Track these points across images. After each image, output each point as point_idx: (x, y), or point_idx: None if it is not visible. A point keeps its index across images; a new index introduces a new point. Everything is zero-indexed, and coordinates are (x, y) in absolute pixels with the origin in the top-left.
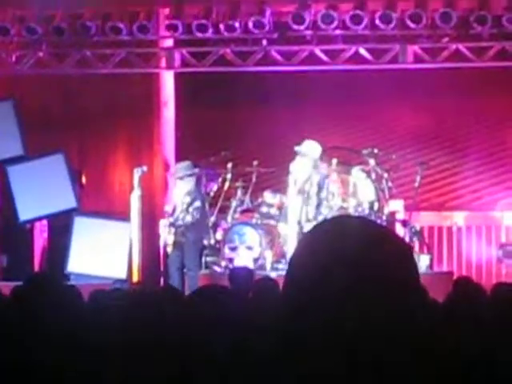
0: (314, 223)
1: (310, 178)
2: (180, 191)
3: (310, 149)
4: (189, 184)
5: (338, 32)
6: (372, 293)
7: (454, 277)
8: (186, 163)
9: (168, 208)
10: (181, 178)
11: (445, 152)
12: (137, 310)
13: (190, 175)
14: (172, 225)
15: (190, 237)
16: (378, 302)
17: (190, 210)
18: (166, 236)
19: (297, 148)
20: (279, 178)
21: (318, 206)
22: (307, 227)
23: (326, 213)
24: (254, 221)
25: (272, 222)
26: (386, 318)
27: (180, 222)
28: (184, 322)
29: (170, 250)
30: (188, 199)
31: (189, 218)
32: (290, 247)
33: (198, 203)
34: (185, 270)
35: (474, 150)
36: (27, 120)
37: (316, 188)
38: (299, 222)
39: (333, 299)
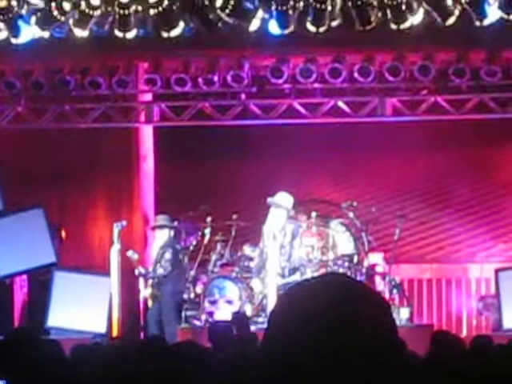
0: (289, 278)
1: (284, 229)
2: (156, 244)
3: (283, 200)
4: (164, 236)
5: (316, 85)
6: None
7: (434, 329)
8: (164, 215)
9: (133, 256)
10: (159, 227)
11: (424, 204)
12: (119, 363)
13: (166, 226)
14: (144, 276)
15: (165, 290)
16: (354, 360)
17: (162, 262)
18: (143, 289)
19: (270, 199)
20: (259, 231)
21: (291, 255)
22: (281, 281)
23: (297, 265)
24: (233, 274)
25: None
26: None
27: (152, 274)
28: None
29: (150, 303)
30: (161, 251)
31: (161, 271)
32: (270, 301)
33: (168, 255)
34: (164, 324)
35: (453, 202)
36: (6, 175)
37: (290, 237)
38: (278, 274)
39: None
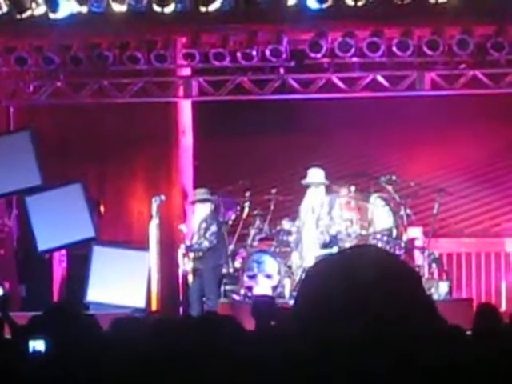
0: (326, 250)
1: (322, 201)
2: (197, 217)
3: (320, 177)
4: (206, 210)
5: (355, 59)
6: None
7: (474, 303)
8: (204, 189)
9: (184, 229)
10: (200, 201)
11: (463, 178)
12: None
13: (208, 200)
14: (188, 249)
15: (208, 263)
16: (390, 325)
17: (207, 235)
18: (185, 263)
19: (308, 180)
20: (298, 205)
21: (330, 226)
22: (318, 253)
23: (335, 237)
24: (272, 249)
25: (290, 250)
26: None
27: (197, 247)
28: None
29: (190, 278)
30: (204, 225)
31: (206, 243)
32: None
33: (214, 228)
34: (204, 299)
35: (492, 175)
36: (45, 150)
37: (327, 208)
38: (316, 247)
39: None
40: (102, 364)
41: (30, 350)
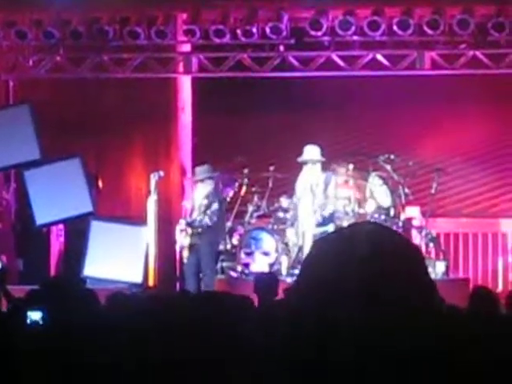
0: (322, 228)
1: (317, 180)
2: (199, 194)
3: (316, 153)
4: (207, 187)
5: (355, 38)
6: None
7: (470, 283)
8: (206, 166)
9: (187, 205)
10: (201, 181)
11: (461, 158)
12: (154, 314)
13: (210, 178)
14: (189, 225)
15: (206, 239)
16: (388, 300)
17: (208, 212)
18: (182, 238)
19: (304, 157)
20: (295, 183)
21: (324, 203)
22: (315, 231)
23: (331, 215)
24: (270, 226)
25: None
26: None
27: (197, 223)
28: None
29: (185, 254)
30: (206, 202)
31: (207, 220)
32: (305, 252)
33: (215, 205)
34: (201, 275)
35: (491, 156)
36: (44, 124)
37: (323, 186)
38: (312, 225)
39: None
40: (98, 338)
41: (28, 320)
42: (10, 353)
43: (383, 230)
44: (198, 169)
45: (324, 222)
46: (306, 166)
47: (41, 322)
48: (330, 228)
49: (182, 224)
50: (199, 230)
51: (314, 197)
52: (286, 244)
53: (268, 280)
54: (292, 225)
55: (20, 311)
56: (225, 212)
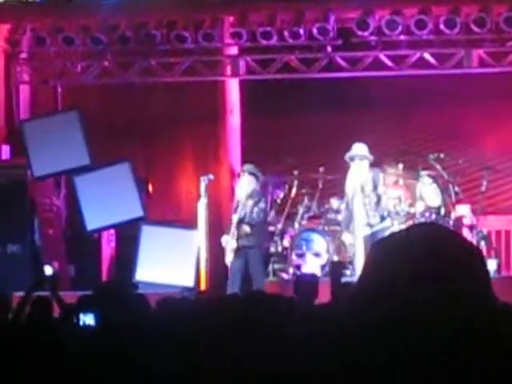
0: (378, 226)
1: (366, 178)
2: (241, 191)
3: (364, 150)
4: (251, 184)
5: (402, 37)
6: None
7: None
8: (252, 165)
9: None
10: (249, 174)
11: (511, 156)
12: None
13: (255, 175)
14: (241, 221)
15: (254, 241)
16: (448, 308)
17: (256, 209)
18: (229, 240)
19: (352, 153)
20: (345, 183)
21: (378, 202)
22: (373, 230)
23: (386, 213)
24: (320, 227)
25: (339, 228)
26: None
27: (248, 220)
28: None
29: (230, 257)
30: (251, 201)
31: (254, 217)
32: (358, 253)
33: (262, 205)
34: (252, 277)
35: None
36: (93, 129)
37: (371, 185)
38: (364, 227)
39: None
40: (149, 342)
41: (81, 323)
42: (63, 356)
43: (441, 229)
44: (246, 165)
45: (379, 219)
46: (354, 163)
47: (94, 325)
48: (383, 225)
49: (234, 220)
50: (247, 230)
51: (364, 195)
52: (343, 244)
53: (308, 281)
54: (347, 226)
55: (72, 315)
56: (273, 214)
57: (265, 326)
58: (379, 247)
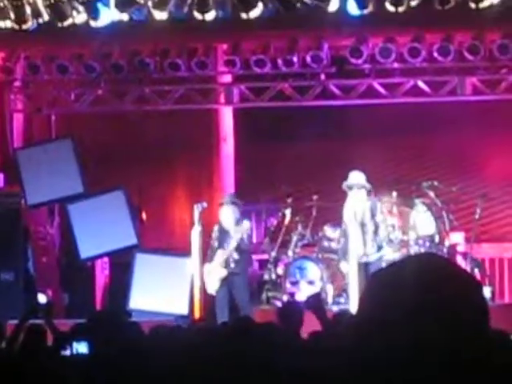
0: (375, 255)
1: (364, 207)
2: (229, 220)
3: (361, 179)
4: (236, 213)
5: (396, 65)
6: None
7: None
8: (231, 193)
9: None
10: (231, 203)
11: (505, 183)
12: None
13: (236, 203)
14: (235, 250)
15: (240, 267)
16: (447, 338)
17: (245, 236)
18: (214, 269)
19: (349, 182)
20: (339, 211)
21: (376, 231)
22: (369, 259)
23: (384, 242)
24: (314, 255)
25: (333, 256)
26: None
27: (240, 248)
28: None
29: (215, 287)
30: (238, 228)
31: (243, 247)
32: (352, 281)
33: (249, 231)
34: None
35: None
36: (86, 157)
37: (369, 214)
38: (360, 256)
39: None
40: (144, 371)
41: (74, 351)
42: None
43: (437, 259)
44: (227, 194)
45: (376, 249)
46: (352, 192)
47: (86, 353)
48: (384, 254)
49: (231, 246)
50: (236, 257)
51: (362, 224)
52: (340, 272)
53: (291, 309)
54: (344, 255)
55: (65, 343)
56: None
57: (256, 358)
58: (376, 279)
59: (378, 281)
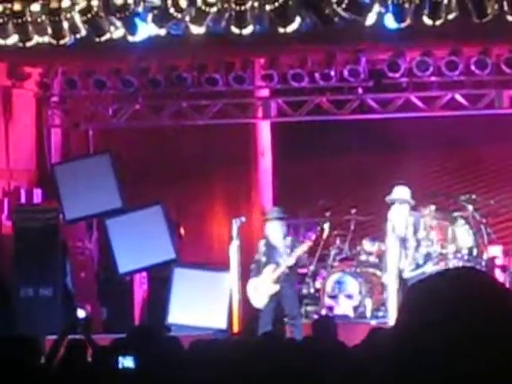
0: (415, 272)
1: (406, 221)
2: (278, 234)
3: (405, 194)
4: (284, 227)
5: (433, 78)
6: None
7: None
8: (277, 207)
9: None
10: (279, 219)
11: None
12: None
13: (282, 218)
14: (295, 264)
15: (289, 282)
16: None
17: (293, 253)
18: (263, 284)
19: (393, 197)
20: (377, 225)
21: (417, 246)
22: (408, 275)
23: (423, 257)
24: (353, 269)
25: (371, 270)
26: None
27: (290, 264)
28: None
29: (265, 301)
30: (289, 242)
31: (292, 261)
32: (391, 295)
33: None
34: (286, 320)
35: None
36: (125, 172)
37: (412, 229)
38: (400, 270)
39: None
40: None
41: (120, 366)
42: None
43: (476, 273)
44: (271, 209)
45: (419, 264)
46: (394, 206)
47: (132, 368)
48: (427, 270)
49: (287, 263)
50: (287, 271)
51: (403, 239)
52: (383, 285)
53: (325, 323)
54: (386, 267)
55: (108, 358)
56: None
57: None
58: (414, 289)
59: (416, 291)
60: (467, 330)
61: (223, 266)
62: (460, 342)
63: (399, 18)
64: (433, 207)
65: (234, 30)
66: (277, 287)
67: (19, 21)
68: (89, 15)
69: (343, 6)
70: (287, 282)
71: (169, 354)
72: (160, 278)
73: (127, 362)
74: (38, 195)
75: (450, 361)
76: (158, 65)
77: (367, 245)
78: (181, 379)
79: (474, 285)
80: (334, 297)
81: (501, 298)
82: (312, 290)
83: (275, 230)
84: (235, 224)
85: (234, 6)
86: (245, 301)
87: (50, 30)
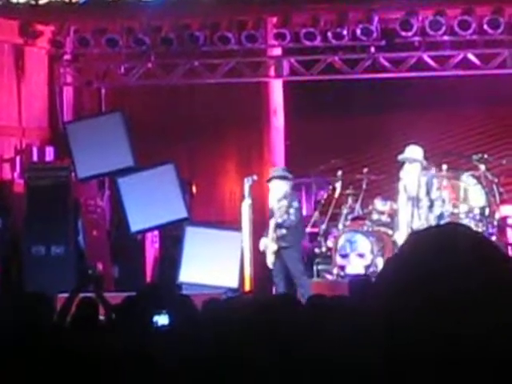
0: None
1: (419, 181)
2: (275, 195)
3: (416, 153)
4: (285, 187)
5: (445, 38)
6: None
7: None
8: (282, 166)
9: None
10: (277, 178)
11: None
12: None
13: (285, 177)
14: (279, 225)
15: (290, 241)
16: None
17: (291, 211)
18: (269, 243)
19: (403, 155)
20: (389, 184)
21: (430, 206)
22: None
23: (437, 217)
24: (365, 228)
25: (383, 229)
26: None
27: (287, 224)
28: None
29: (271, 259)
30: (285, 202)
31: (292, 218)
32: None
33: (296, 204)
34: (293, 277)
35: None
36: (136, 131)
37: (425, 189)
38: (411, 228)
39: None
40: (196, 343)
41: (155, 324)
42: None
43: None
44: (273, 168)
45: (431, 225)
46: (405, 166)
47: (168, 326)
48: None
49: (271, 224)
50: (283, 232)
51: (416, 199)
52: (395, 243)
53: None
54: (395, 227)
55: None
56: (302, 214)
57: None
58: (405, 243)
59: (405, 245)
60: (448, 289)
61: (235, 225)
62: (442, 301)
63: None
64: (445, 166)
65: None
66: (275, 246)
67: None
68: None
69: None
70: (286, 242)
71: (181, 312)
72: (172, 237)
73: (162, 319)
74: (50, 153)
75: (433, 320)
76: (171, 24)
77: (379, 204)
78: (193, 339)
79: (458, 237)
80: (345, 256)
81: (486, 250)
82: (324, 249)
83: (272, 190)
84: (247, 182)
85: None
86: (256, 259)
87: None
